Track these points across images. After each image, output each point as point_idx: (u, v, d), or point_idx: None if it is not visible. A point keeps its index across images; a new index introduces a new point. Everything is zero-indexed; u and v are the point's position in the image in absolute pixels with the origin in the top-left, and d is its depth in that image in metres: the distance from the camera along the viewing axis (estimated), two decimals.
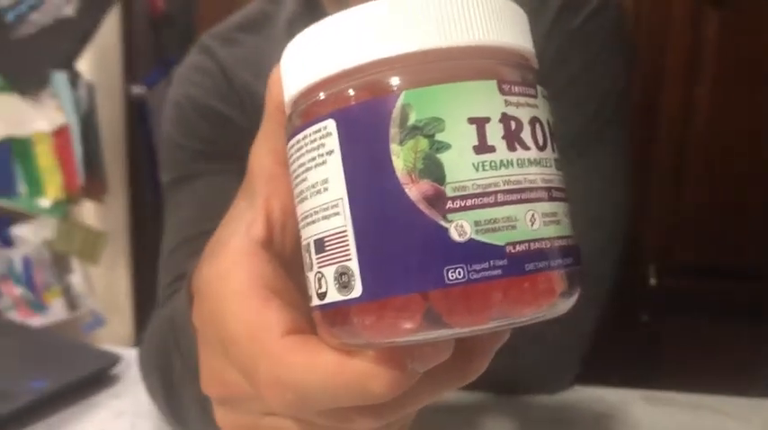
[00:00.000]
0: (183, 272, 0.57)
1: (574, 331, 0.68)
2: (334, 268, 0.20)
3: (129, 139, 1.49)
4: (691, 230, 1.49)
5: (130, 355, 0.72)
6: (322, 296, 0.21)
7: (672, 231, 1.50)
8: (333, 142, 0.20)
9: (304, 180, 0.22)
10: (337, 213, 0.20)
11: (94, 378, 0.67)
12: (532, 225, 0.20)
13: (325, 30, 0.22)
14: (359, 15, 0.21)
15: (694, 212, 1.48)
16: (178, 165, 0.65)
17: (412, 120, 0.20)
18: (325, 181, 0.21)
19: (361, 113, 0.20)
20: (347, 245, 0.20)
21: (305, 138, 0.21)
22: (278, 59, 0.75)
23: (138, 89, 1.47)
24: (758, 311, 1.46)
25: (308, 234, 0.22)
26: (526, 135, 0.21)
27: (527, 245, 0.20)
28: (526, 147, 0.20)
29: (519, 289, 0.19)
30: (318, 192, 0.21)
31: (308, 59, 0.22)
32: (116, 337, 1.51)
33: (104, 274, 1.52)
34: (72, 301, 1.48)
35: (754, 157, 1.44)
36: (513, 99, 0.21)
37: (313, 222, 0.21)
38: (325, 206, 0.21)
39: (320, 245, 0.21)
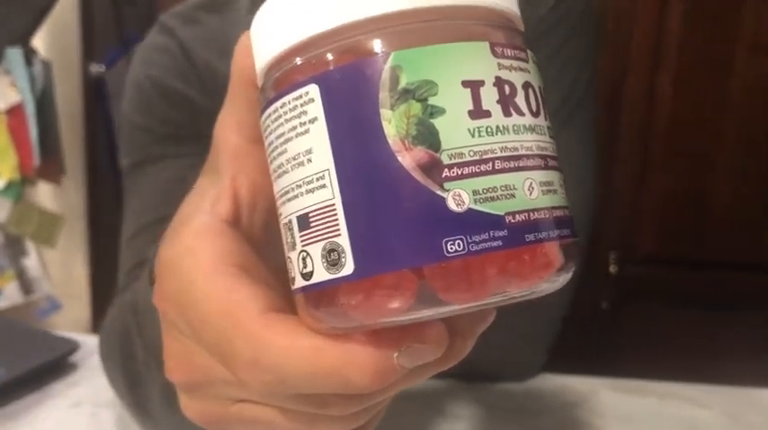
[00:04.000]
0: (144, 257, 0.55)
1: (544, 318, 0.67)
2: (321, 245, 0.19)
3: (88, 120, 1.45)
4: (652, 218, 1.50)
5: (89, 342, 0.70)
6: (308, 276, 0.19)
7: (633, 219, 1.51)
8: (316, 109, 0.19)
9: (283, 152, 0.20)
10: (323, 186, 0.19)
11: (51, 366, 0.64)
12: (530, 194, 0.19)
13: None
14: None
15: (656, 200, 1.50)
16: (139, 148, 0.63)
17: (403, 83, 0.18)
18: (309, 151, 0.19)
19: (347, 77, 0.19)
20: (336, 219, 0.19)
21: (283, 106, 0.20)
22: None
23: (96, 68, 1.42)
24: (717, 300, 1.49)
25: (290, 210, 0.20)
26: (520, 100, 0.19)
27: (526, 214, 0.18)
28: (521, 113, 0.19)
29: (519, 261, 0.18)
30: (301, 164, 0.19)
31: (282, 24, 0.20)
32: (72, 323, 1.47)
33: (61, 258, 1.48)
34: (27, 286, 1.43)
35: (715, 146, 1.46)
36: (506, 62, 0.19)
37: (295, 197, 0.20)
38: (308, 179, 0.19)
39: (304, 221, 0.19)
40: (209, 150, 0.66)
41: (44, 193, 1.44)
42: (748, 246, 1.49)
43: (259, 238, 0.26)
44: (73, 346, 0.67)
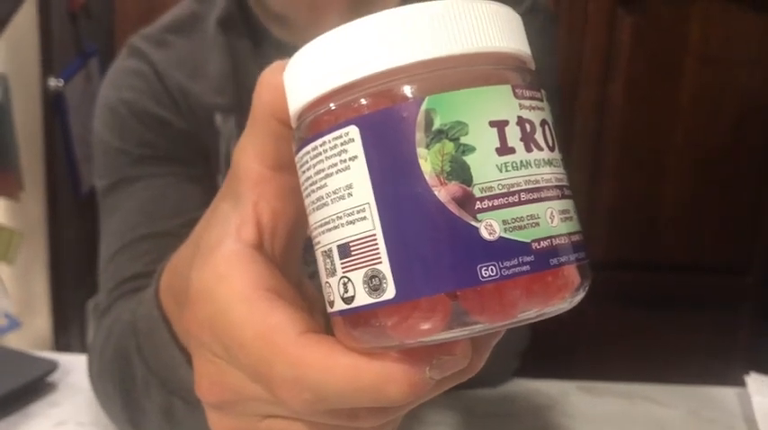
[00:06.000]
0: (128, 276, 0.56)
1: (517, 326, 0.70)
2: (362, 272, 0.21)
3: (47, 135, 1.43)
4: (605, 223, 1.55)
5: (68, 362, 0.70)
6: (349, 300, 0.21)
7: (586, 224, 1.55)
8: (356, 148, 0.21)
9: (323, 186, 0.22)
10: (364, 218, 0.20)
11: (31, 387, 0.64)
12: (552, 222, 0.21)
13: (334, 41, 0.22)
14: (368, 26, 0.21)
15: (608, 206, 1.54)
16: (116, 169, 0.64)
17: (437, 124, 0.20)
18: (349, 186, 0.21)
19: (384, 119, 0.20)
20: (376, 248, 0.20)
21: (323, 144, 0.21)
22: (211, 60, 0.73)
23: (54, 82, 1.40)
24: (669, 302, 1.54)
25: (330, 239, 0.22)
26: (539, 136, 0.21)
27: (549, 241, 0.20)
28: (540, 148, 0.21)
29: (543, 283, 0.20)
30: (341, 197, 0.21)
31: (320, 69, 0.22)
32: (33, 341, 1.44)
33: (20, 275, 1.45)
34: None
35: (665, 153, 1.52)
36: (526, 103, 0.21)
37: (335, 228, 0.21)
38: (349, 211, 0.21)
39: (345, 250, 0.21)
40: (184, 169, 0.66)
41: (2, 209, 1.41)
42: (698, 249, 1.55)
43: (279, 261, 0.27)
44: (51, 366, 0.67)
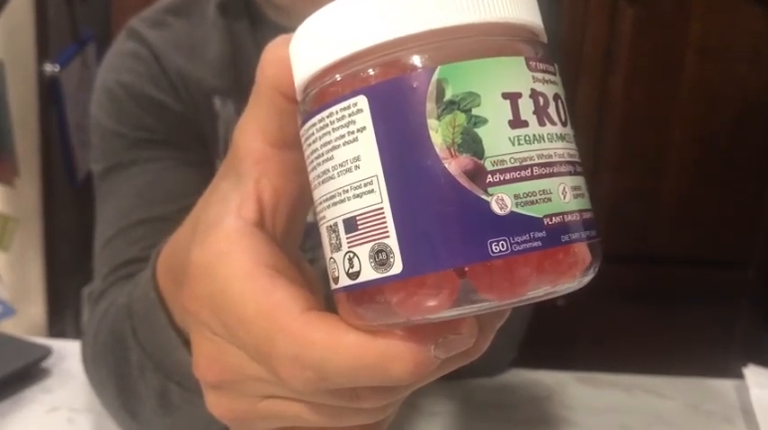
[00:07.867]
0: (123, 261, 0.55)
1: (516, 315, 0.69)
2: (369, 246, 0.20)
3: (42, 121, 1.41)
4: (604, 216, 1.54)
5: (62, 347, 0.69)
6: (354, 275, 0.20)
7: None
8: (365, 119, 0.20)
9: (329, 159, 0.21)
10: (372, 191, 0.20)
11: (24, 372, 0.64)
12: (564, 198, 0.20)
13: (341, 10, 0.21)
14: None
15: (608, 199, 1.54)
16: (112, 153, 0.63)
17: (448, 95, 0.19)
18: (357, 158, 0.20)
19: (394, 89, 0.20)
20: (384, 222, 0.20)
21: (330, 116, 0.21)
22: (210, 43, 0.73)
23: (50, 68, 1.39)
24: (667, 295, 1.54)
25: (335, 214, 0.21)
26: (552, 110, 0.21)
27: (562, 217, 0.20)
28: (553, 123, 0.21)
29: (554, 260, 0.20)
30: (348, 170, 0.20)
31: (327, 39, 0.21)
32: (27, 328, 1.43)
33: (15, 262, 1.44)
34: None
35: (665, 146, 1.52)
36: (539, 75, 0.21)
37: (341, 201, 0.21)
38: (356, 184, 0.20)
39: (351, 223, 0.20)
40: (182, 154, 0.66)
41: None
42: (698, 243, 1.55)
43: (280, 239, 0.27)
44: (45, 352, 0.66)
